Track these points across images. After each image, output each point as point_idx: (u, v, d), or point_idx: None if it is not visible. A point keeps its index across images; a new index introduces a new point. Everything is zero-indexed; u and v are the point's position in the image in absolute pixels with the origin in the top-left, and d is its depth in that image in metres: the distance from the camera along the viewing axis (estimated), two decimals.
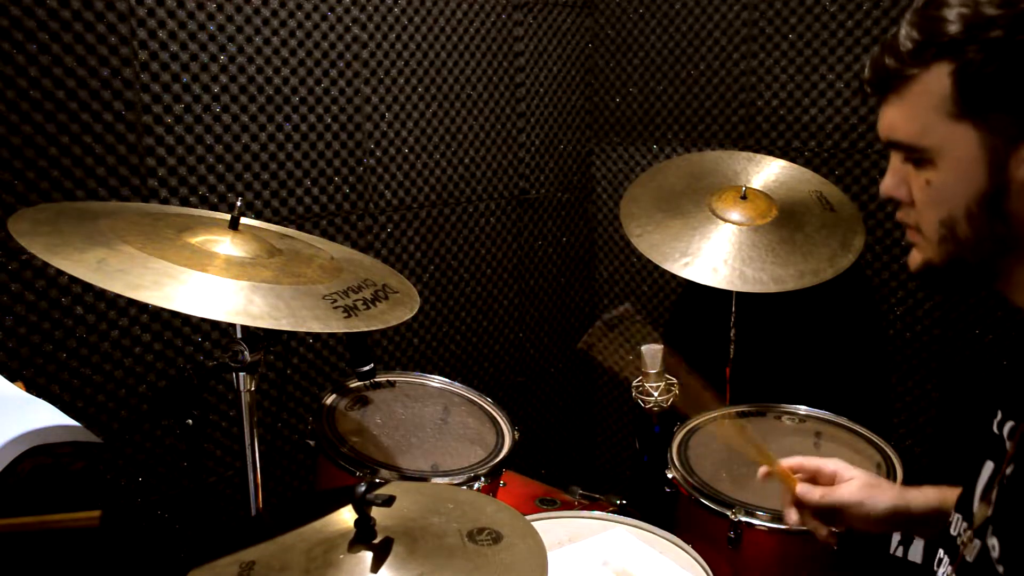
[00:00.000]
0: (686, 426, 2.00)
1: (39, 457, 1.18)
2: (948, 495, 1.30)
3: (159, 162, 1.93)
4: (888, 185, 1.04)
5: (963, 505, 1.08)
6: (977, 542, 1.01)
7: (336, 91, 2.19)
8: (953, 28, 0.91)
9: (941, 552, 1.10)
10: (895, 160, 1.03)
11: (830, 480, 1.38)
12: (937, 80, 0.93)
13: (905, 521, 1.32)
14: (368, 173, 2.30)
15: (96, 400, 1.91)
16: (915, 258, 1.05)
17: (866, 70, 1.02)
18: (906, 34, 0.95)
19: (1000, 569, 0.96)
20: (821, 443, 1.99)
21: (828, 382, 2.48)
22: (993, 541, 0.98)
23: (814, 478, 1.39)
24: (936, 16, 0.92)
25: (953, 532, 1.09)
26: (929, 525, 1.29)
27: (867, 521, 1.30)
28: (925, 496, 1.32)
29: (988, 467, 1.04)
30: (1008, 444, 1.00)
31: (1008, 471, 0.98)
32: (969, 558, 1.02)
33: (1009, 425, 1.02)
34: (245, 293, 1.20)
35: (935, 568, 1.11)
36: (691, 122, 2.64)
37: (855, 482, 1.34)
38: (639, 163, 2.77)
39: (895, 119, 0.99)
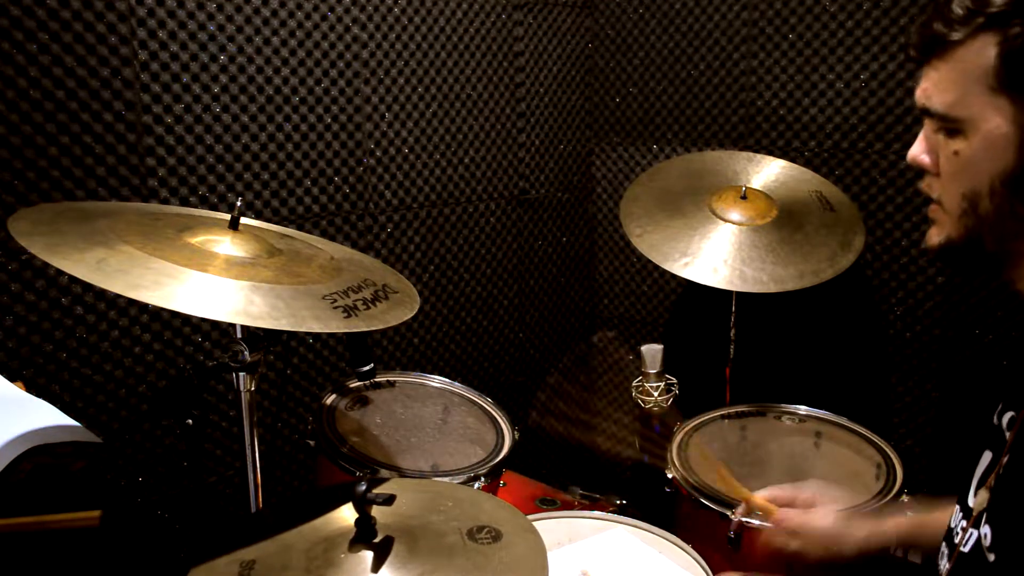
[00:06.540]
0: (686, 426, 2.00)
1: (39, 457, 1.18)
2: (924, 520, 1.35)
3: (159, 162, 1.93)
4: (916, 151, 1.03)
5: (961, 496, 1.09)
6: (973, 532, 1.02)
7: (336, 91, 2.19)
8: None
9: (943, 545, 1.11)
10: (928, 128, 1.02)
11: (808, 505, 1.42)
12: (982, 50, 0.92)
13: (882, 547, 1.37)
14: (368, 173, 2.30)
15: (96, 400, 1.91)
16: (934, 236, 1.04)
17: (913, 34, 1.01)
18: (958, 1, 0.94)
19: (991, 557, 0.96)
20: (821, 443, 1.99)
21: (828, 382, 2.48)
22: (986, 530, 0.98)
23: (791, 504, 1.44)
24: None
25: (952, 524, 1.09)
26: (911, 545, 1.34)
27: (845, 549, 1.35)
28: (898, 527, 1.37)
29: (986, 457, 1.05)
30: (1007, 434, 1.00)
31: (1005, 460, 0.99)
32: (965, 548, 1.03)
33: (1008, 415, 1.02)
34: (245, 293, 1.20)
35: (938, 561, 1.11)
36: (691, 122, 2.64)
37: (832, 509, 1.39)
38: (639, 163, 2.77)
39: (934, 85, 0.98)
